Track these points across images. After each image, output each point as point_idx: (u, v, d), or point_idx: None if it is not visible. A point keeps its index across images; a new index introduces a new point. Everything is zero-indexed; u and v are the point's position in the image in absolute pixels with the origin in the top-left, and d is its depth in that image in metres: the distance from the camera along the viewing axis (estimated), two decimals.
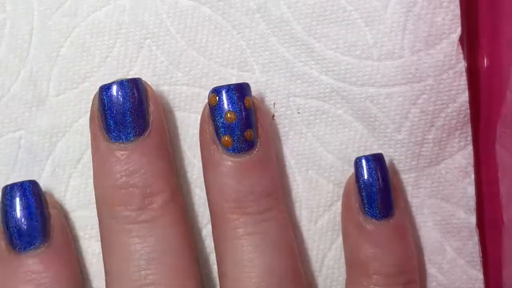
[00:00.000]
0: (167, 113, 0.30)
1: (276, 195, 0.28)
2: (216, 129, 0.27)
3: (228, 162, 0.27)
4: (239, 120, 0.27)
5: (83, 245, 0.30)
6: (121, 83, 0.27)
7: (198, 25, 0.30)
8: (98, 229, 0.28)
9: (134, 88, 0.27)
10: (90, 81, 0.30)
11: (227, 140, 0.27)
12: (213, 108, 0.27)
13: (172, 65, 0.30)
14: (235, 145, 0.27)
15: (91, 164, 0.28)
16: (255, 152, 0.27)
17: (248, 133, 0.27)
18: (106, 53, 0.30)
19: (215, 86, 0.27)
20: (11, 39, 0.30)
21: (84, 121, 0.30)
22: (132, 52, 0.30)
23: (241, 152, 0.27)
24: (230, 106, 0.27)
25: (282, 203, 0.28)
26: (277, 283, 0.27)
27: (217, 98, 0.27)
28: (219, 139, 0.27)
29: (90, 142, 0.28)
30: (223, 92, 0.27)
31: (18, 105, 0.30)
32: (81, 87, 0.30)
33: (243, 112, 0.27)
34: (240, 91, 0.27)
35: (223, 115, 0.27)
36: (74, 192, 0.30)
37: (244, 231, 0.27)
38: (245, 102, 0.27)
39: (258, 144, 0.27)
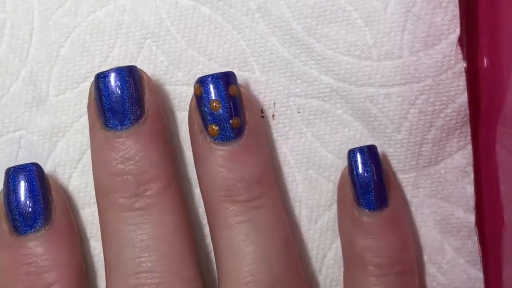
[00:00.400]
0: (167, 113, 0.30)
1: (267, 182, 0.28)
2: (203, 118, 0.27)
3: (217, 151, 0.27)
4: (224, 108, 0.27)
5: (83, 245, 0.30)
6: (116, 71, 0.27)
7: (198, 25, 0.30)
8: (98, 229, 0.28)
9: (130, 75, 0.27)
10: (91, 81, 0.29)
11: (214, 129, 0.27)
12: (199, 98, 0.27)
13: (172, 65, 0.30)
14: (222, 134, 0.27)
15: (91, 163, 0.28)
16: (243, 139, 0.27)
17: (234, 121, 0.27)
18: (106, 53, 0.30)
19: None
20: (11, 39, 0.30)
21: (84, 121, 0.29)
22: (132, 52, 0.30)
23: (229, 140, 0.27)
24: (214, 95, 0.27)
25: (274, 190, 0.28)
26: (270, 270, 0.26)
27: (202, 88, 0.27)
28: (206, 128, 0.27)
29: (90, 142, 0.28)
30: (207, 81, 0.27)
31: (18, 105, 0.30)
32: (81, 87, 0.30)
33: (228, 100, 0.27)
34: (224, 79, 0.27)
35: (208, 104, 0.27)
36: (75, 192, 0.30)
37: (235, 219, 0.27)
38: (229, 90, 0.27)
39: (246, 131, 0.27)
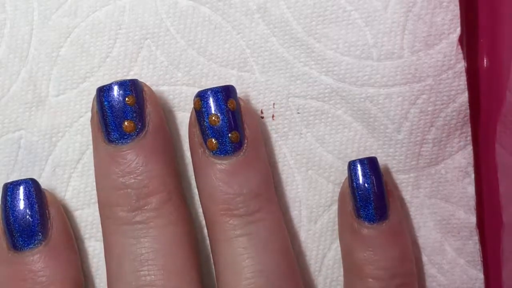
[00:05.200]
0: (167, 113, 0.30)
1: (267, 196, 0.28)
2: (202, 132, 0.27)
3: (215, 164, 0.27)
4: (223, 122, 0.27)
5: (83, 245, 0.30)
6: (118, 84, 0.27)
7: (198, 25, 0.30)
8: (98, 229, 0.28)
9: (131, 89, 0.27)
10: (90, 81, 0.30)
11: (213, 143, 0.27)
12: (198, 112, 0.27)
13: (172, 65, 0.30)
14: (221, 148, 0.27)
15: (91, 164, 0.28)
16: (242, 153, 0.27)
17: (233, 135, 0.27)
18: (106, 53, 0.30)
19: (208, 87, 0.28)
20: (11, 39, 0.30)
21: (84, 121, 0.30)
22: (132, 52, 0.30)
23: (228, 155, 0.27)
24: (213, 109, 0.27)
25: (274, 203, 0.28)
26: (269, 284, 0.26)
27: (201, 102, 0.27)
28: (205, 142, 0.27)
29: (90, 142, 0.28)
30: (206, 95, 0.27)
31: (18, 105, 0.30)
32: (81, 87, 0.30)
33: (227, 114, 0.27)
34: (223, 93, 0.27)
35: (207, 118, 0.27)
36: (74, 192, 0.30)
37: (233, 233, 0.27)
38: (228, 104, 0.27)
39: (245, 145, 0.27)
